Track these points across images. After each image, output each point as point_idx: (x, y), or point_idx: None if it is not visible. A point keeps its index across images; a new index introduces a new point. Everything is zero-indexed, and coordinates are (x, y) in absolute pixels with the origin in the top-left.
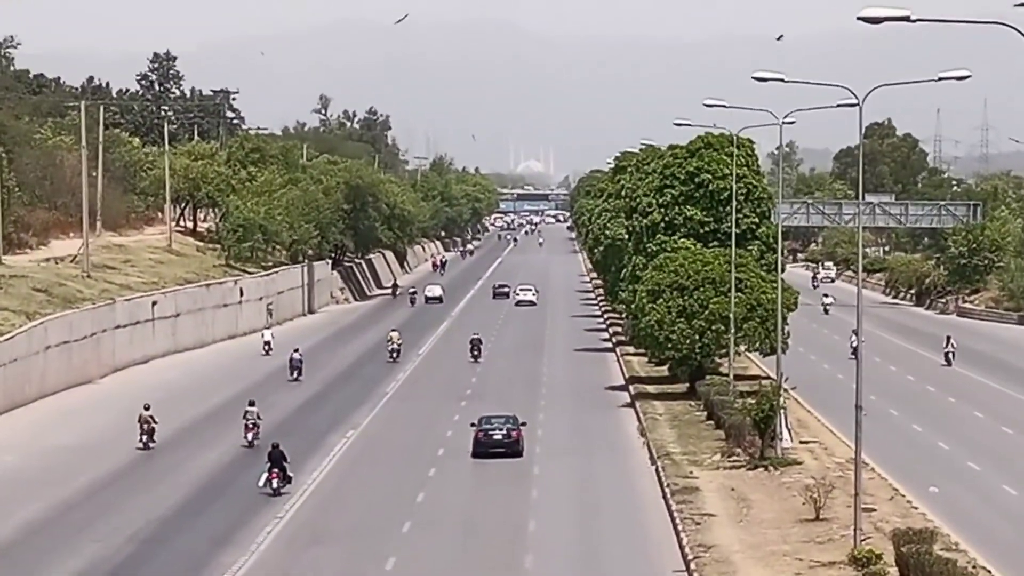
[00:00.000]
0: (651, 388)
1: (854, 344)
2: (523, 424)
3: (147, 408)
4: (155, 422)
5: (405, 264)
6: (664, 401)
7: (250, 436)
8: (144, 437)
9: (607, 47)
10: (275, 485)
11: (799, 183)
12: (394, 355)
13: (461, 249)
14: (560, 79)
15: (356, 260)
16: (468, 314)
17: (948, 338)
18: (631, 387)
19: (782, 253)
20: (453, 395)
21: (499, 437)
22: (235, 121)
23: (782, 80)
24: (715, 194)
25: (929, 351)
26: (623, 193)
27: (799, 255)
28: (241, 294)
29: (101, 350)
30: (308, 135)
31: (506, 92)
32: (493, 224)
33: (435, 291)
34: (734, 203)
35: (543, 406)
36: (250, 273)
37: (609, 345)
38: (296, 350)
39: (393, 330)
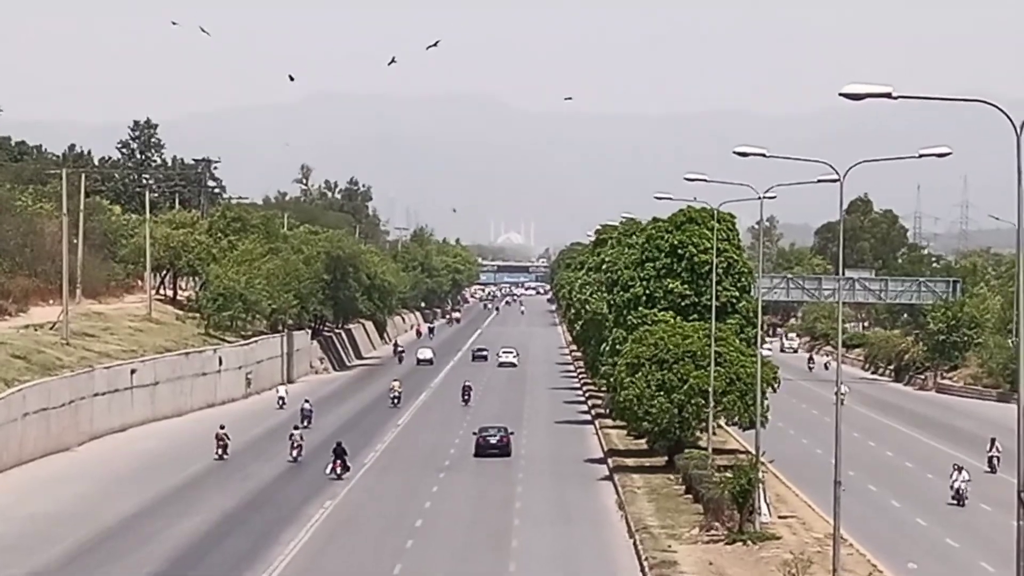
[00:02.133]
0: (630, 461)
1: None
2: (511, 433)
3: (222, 427)
4: (228, 439)
5: (385, 335)
6: (643, 474)
7: (295, 454)
8: (219, 451)
9: (590, 121)
10: (338, 472)
11: (779, 258)
12: (395, 401)
13: (449, 316)
14: (542, 153)
15: (336, 330)
16: (452, 380)
17: (992, 441)
18: (610, 460)
19: (762, 327)
20: (439, 456)
21: (494, 442)
22: (216, 190)
23: (763, 155)
24: (696, 267)
25: (907, 427)
26: (604, 266)
27: (779, 329)
28: (220, 363)
29: (79, 418)
30: (289, 205)
31: (488, 165)
32: (473, 296)
33: (426, 354)
34: (715, 276)
35: (521, 479)
36: (229, 342)
37: (588, 418)
38: (307, 400)
39: (395, 380)
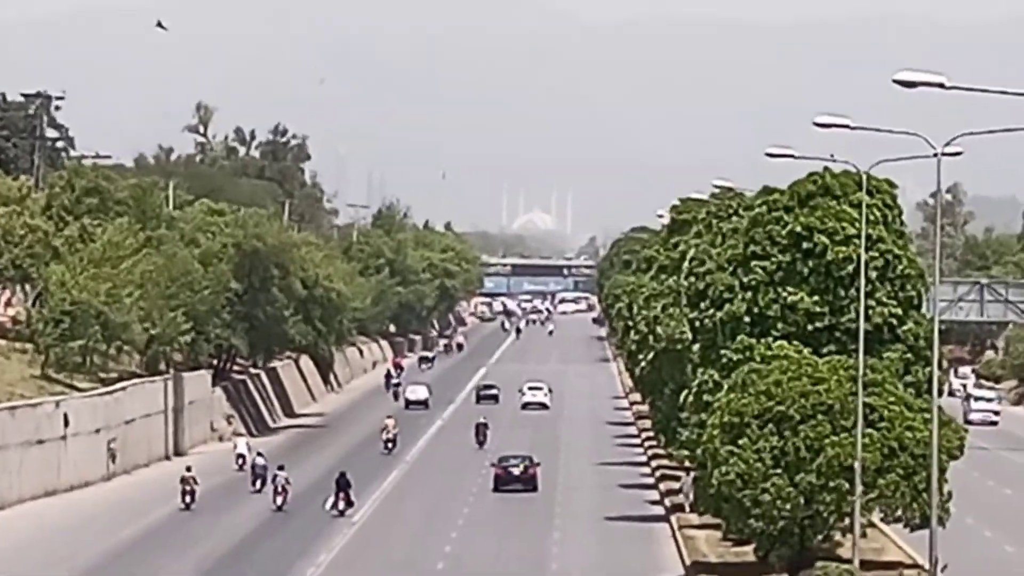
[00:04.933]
0: None
1: None
2: (538, 464)
3: (189, 470)
4: (196, 483)
5: (331, 377)
6: None
7: (279, 500)
8: (186, 498)
9: (653, 32)
10: (340, 507)
11: (968, 251)
12: (389, 446)
13: (449, 342)
14: (582, 84)
15: (253, 371)
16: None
17: None
18: None
19: (940, 365)
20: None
21: (517, 473)
22: (60, 144)
23: (941, 86)
24: (833, 268)
25: None
26: (684, 267)
27: (963, 368)
28: (66, 423)
29: None
30: (178, 168)
31: (498, 104)
32: (474, 314)
33: (419, 393)
34: (863, 283)
35: None
36: (81, 390)
37: (660, 511)
38: (259, 453)
39: (388, 417)
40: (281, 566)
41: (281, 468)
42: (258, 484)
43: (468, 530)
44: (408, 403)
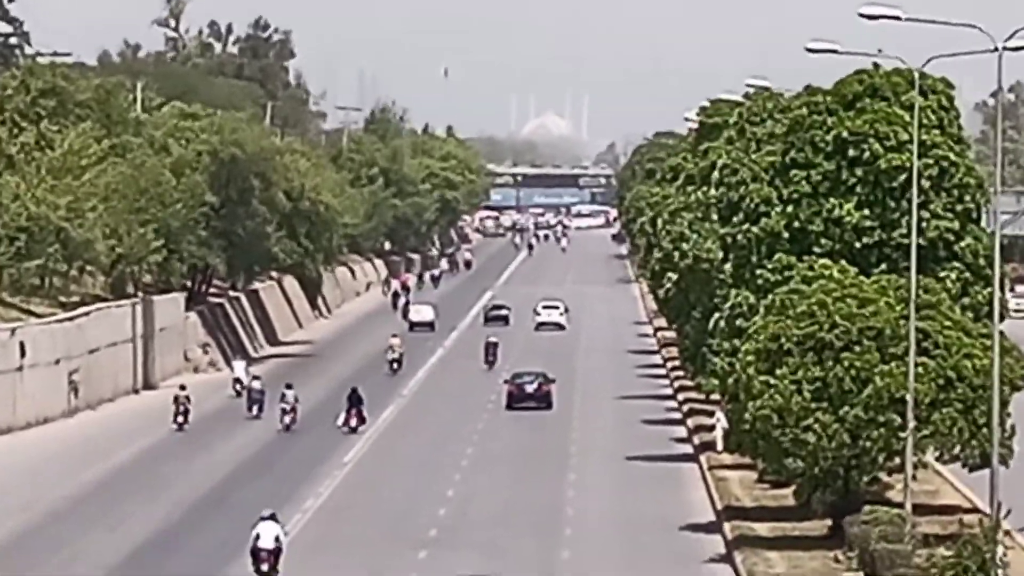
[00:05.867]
0: (763, 528)
1: None
2: (553, 380)
3: (183, 388)
4: (189, 402)
5: (319, 300)
6: (787, 551)
7: (287, 420)
8: (179, 418)
9: None
10: (352, 424)
11: None
12: (395, 365)
13: (453, 259)
14: None
15: (231, 294)
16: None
17: None
18: (727, 526)
19: (1001, 285)
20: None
21: (531, 390)
22: (13, 40)
23: None
24: (883, 178)
25: None
26: (714, 176)
27: None
28: (22, 353)
29: None
30: (146, 67)
31: None
32: (479, 229)
33: (424, 314)
34: (916, 194)
35: (567, 561)
36: (38, 315)
37: (688, 450)
38: (257, 377)
39: (394, 336)
40: (287, 488)
41: (289, 387)
42: (255, 410)
43: (476, 466)
44: (412, 325)
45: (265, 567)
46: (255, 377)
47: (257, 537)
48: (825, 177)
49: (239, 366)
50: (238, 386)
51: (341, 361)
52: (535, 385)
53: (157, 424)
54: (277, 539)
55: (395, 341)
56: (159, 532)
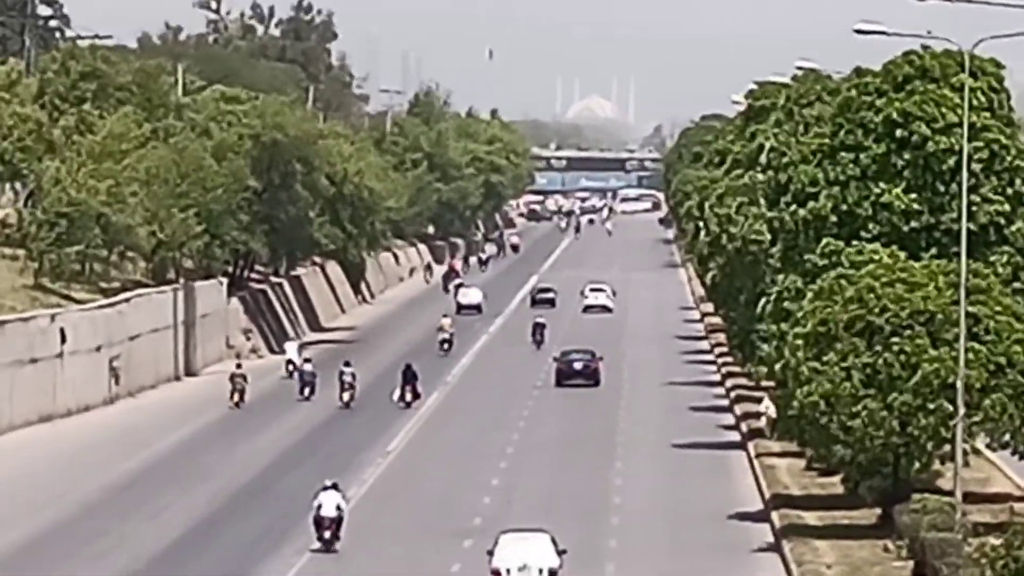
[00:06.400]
0: (812, 517)
1: None
2: (601, 358)
3: (239, 367)
4: (246, 381)
5: (362, 286)
6: (836, 540)
7: (346, 397)
8: (235, 396)
9: None
10: (408, 399)
11: None
12: (445, 346)
13: (502, 242)
14: None
15: (274, 280)
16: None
17: None
18: (775, 514)
19: None
20: None
21: (579, 367)
22: (53, 23)
23: None
24: (933, 161)
25: None
26: (762, 159)
27: None
28: (63, 340)
29: None
30: (187, 49)
31: None
32: (524, 214)
33: (472, 296)
34: (966, 177)
35: (614, 550)
36: (79, 302)
37: (735, 438)
38: (308, 359)
39: (445, 316)
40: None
41: (348, 364)
42: (306, 392)
43: (522, 453)
44: (460, 307)
45: (327, 534)
46: (307, 359)
47: (320, 506)
48: (874, 160)
49: (291, 347)
50: (290, 367)
51: (385, 348)
52: (583, 363)
53: (199, 411)
54: (338, 507)
55: (446, 322)
56: (200, 521)
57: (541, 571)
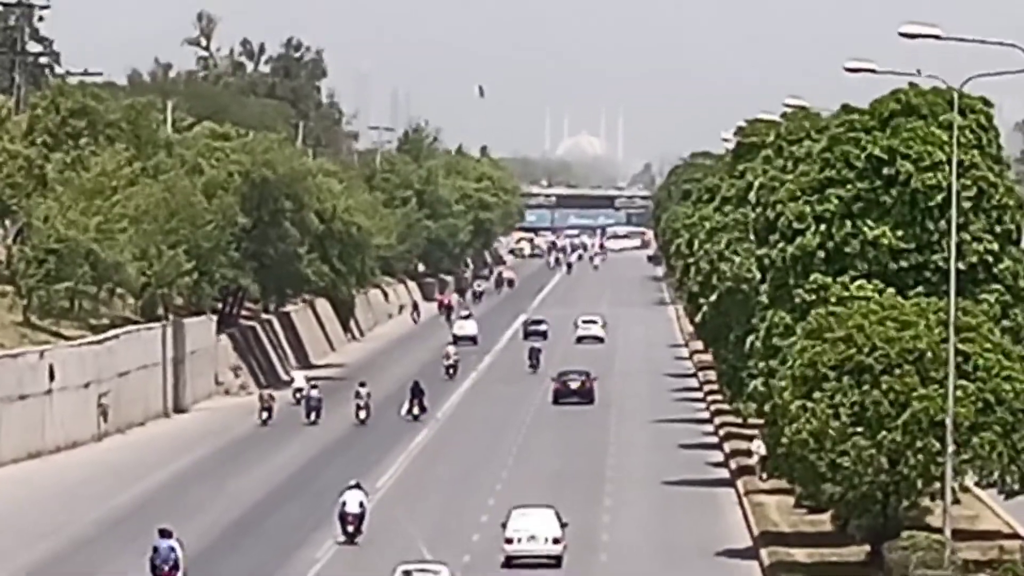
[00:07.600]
0: (800, 553)
1: None
2: (595, 378)
3: (266, 386)
4: (274, 400)
5: (351, 323)
6: None
7: (362, 415)
8: (264, 414)
9: None
10: (415, 412)
11: None
12: (451, 372)
13: (500, 276)
14: None
15: (263, 316)
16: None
17: None
18: (764, 551)
19: None
20: None
21: (575, 387)
22: (43, 60)
23: None
24: (920, 198)
25: None
26: (752, 196)
27: None
28: (51, 376)
29: None
30: (177, 86)
31: (540, 12)
32: (514, 252)
33: (468, 328)
34: (955, 215)
35: None
36: (68, 338)
37: (724, 475)
38: (315, 386)
39: (450, 344)
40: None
41: (363, 384)
42: (312, 416)
43: (511, 488)
44: (456, 338)
45: (351, 528)
46: (313, 385)
47: (344, 503)
48: (859, 196)
49: (299, 376)
50: (298, 394)
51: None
52: (579, 382)
53: (190, 447)
54: (361, 504)
55: (451, 349)
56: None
57: (547, 539)
